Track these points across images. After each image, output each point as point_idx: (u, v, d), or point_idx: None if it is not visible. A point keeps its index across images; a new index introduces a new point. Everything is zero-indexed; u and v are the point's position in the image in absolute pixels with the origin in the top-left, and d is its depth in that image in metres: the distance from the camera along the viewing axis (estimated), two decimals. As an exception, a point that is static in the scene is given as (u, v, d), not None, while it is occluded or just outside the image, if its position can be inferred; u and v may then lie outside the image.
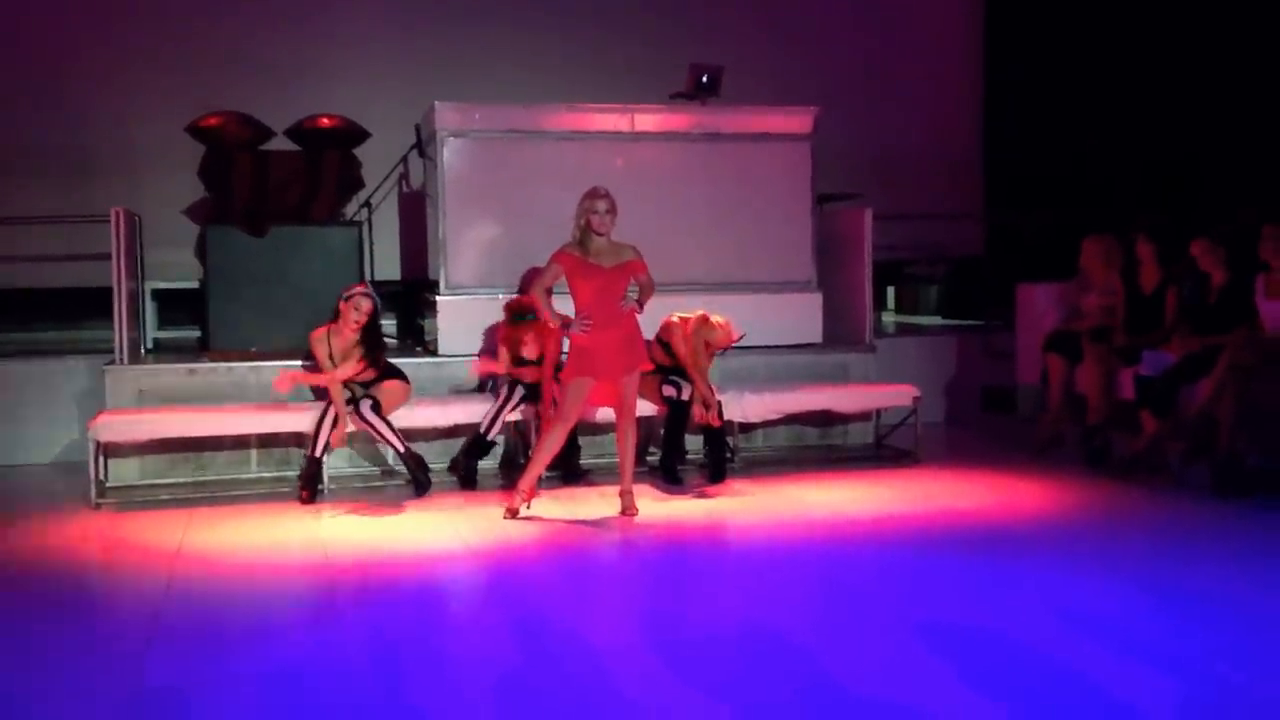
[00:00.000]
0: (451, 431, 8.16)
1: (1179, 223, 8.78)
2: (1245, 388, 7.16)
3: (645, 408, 7.75)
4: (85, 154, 11.04)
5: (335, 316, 7.52)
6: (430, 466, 7.71)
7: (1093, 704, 4.00)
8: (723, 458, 8.01)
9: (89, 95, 11.12)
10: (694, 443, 8.20)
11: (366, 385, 7.59)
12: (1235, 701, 4.06)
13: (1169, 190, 11.25)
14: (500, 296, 8.58)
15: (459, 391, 8.42)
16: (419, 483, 7.52)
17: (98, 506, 7.30)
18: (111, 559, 6.40)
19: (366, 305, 7.49)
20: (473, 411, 7.91)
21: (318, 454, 7.46)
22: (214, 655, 4.61)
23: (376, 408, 7.46)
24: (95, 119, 11.13)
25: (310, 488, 7.41)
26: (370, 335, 7.53)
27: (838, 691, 4.15)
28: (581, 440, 8.32)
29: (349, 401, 7.47)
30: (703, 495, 7.51)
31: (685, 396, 7.78)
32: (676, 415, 7.86)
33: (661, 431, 8.16)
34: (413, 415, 7.77)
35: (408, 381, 7.75)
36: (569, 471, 7.84)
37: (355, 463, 8.12)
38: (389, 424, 7.49)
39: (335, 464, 7.93)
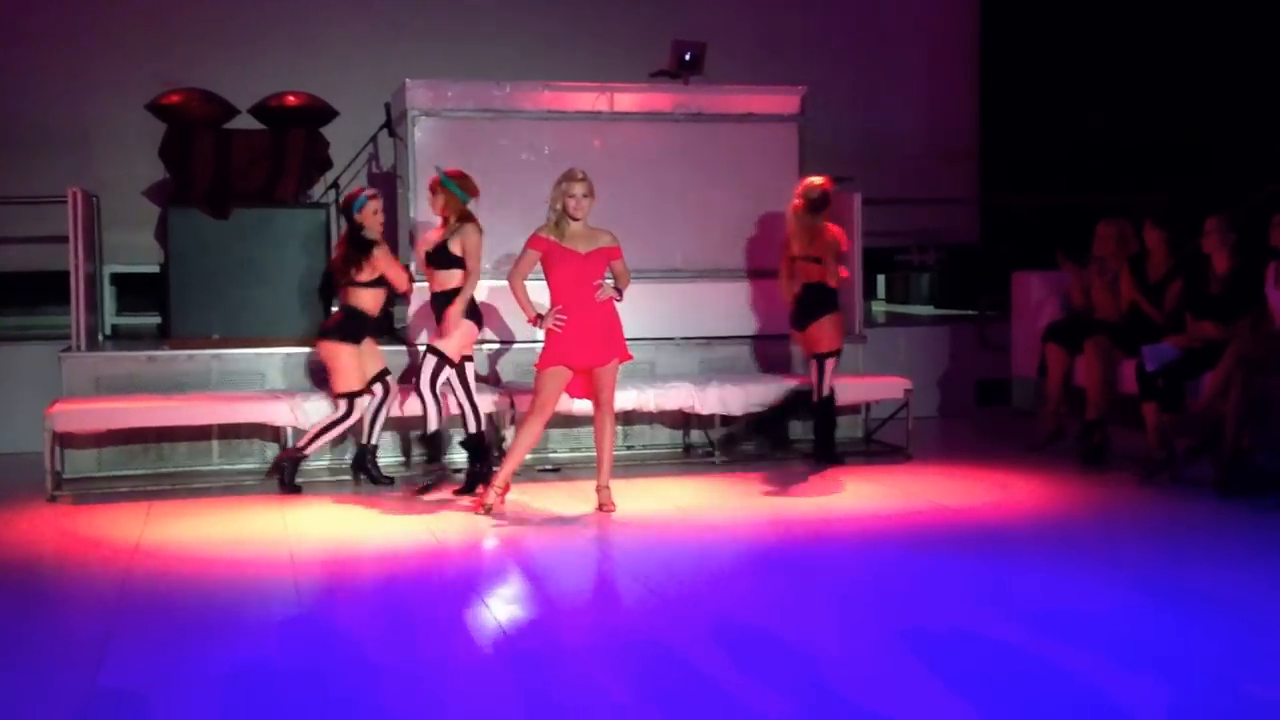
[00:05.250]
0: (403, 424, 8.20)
1: (1185, 206, 8.79)
2: (1252, 382, 7.12)
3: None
4: (40, 131, 11.03)
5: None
6: (401, 459, 7.74)
7: (1092, 710, 4.01)
8: (831, 435, 8.26)
9: (43, 69, 11.11)
10: (667, 435, 8.21)
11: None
12: (1239, 706, 4.08)
13: (1174, 172, 11.29)
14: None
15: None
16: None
17: (53, 499, 7.31)
18: (67, 553, 6.40)
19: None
20: (451, 402, 7.93)
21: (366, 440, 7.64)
22: (174, 654, 4.63)
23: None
24: (50, 94, 11.12)
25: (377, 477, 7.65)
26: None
27: (825, 695, 4.18)
28: (559, 432, 8.38)
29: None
30: (697, 485, 7.56)
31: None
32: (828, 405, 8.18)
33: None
34: (391, 407, 7.79)
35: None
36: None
37: (325, 454, 8.13)
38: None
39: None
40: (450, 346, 7.30)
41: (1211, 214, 7.85)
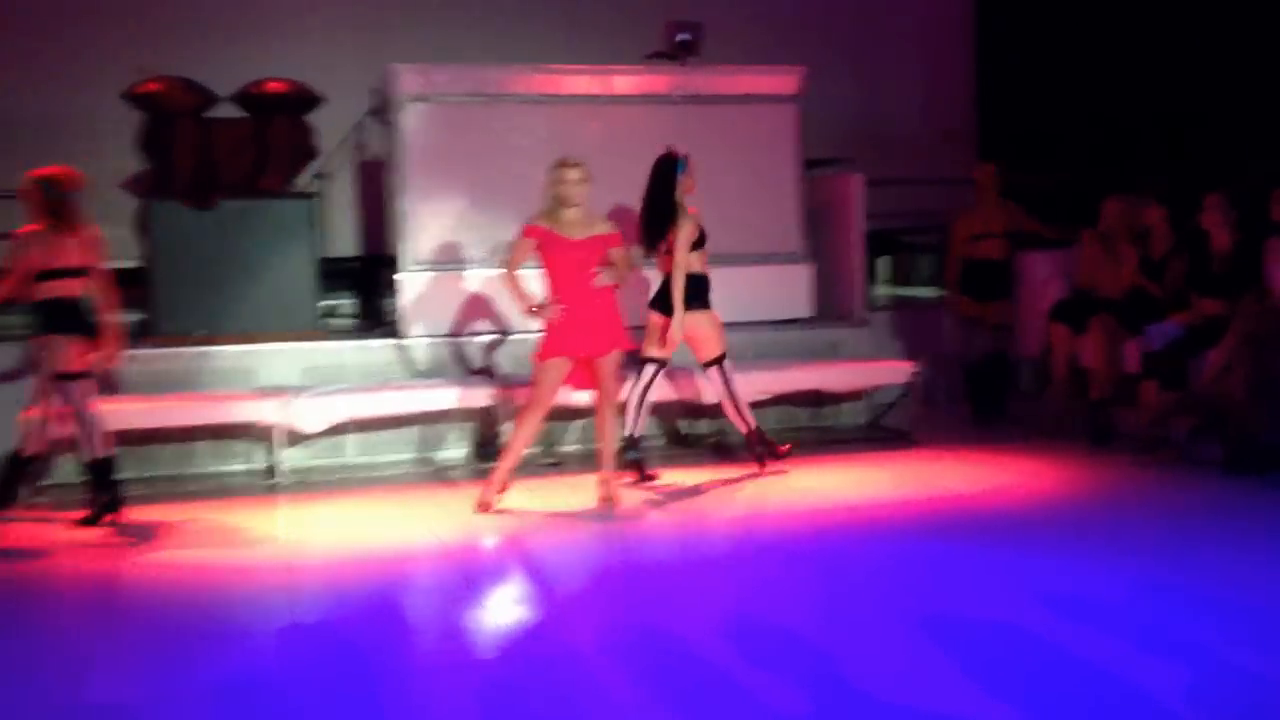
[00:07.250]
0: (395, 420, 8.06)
1: (1187, 184, 8.79)
2: (1257, 359, 7.19)
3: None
4: (9, 122, 10.87)
5: None
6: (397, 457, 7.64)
7: (1105, 693, 4.03)
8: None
9: (11, 56, 10.94)
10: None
11: None
12: (1251, 686, 4.11)
13: (1176, 150, 11.27)
14: (465, 274, 8.51)
15: (423, 376, 8.35)
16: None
17: (32, 506, 7.21)
18: (49, 563, 6.27)
19: None
20: (444, 398, 7.83)
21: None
22: (166, 666, 4.56)
23: None
24: (20, 83, 10.93)
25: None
26: None
27: (839, 686, 4.13)
28: (557, 425, 8.29)
29: None
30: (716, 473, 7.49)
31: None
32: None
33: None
34: (379, 402, 7.72)
35: None
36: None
37: (317, 453, 8.02)
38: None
39: (295, 454, 7.85)
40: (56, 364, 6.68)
41: (1210, 190, 7.90)
